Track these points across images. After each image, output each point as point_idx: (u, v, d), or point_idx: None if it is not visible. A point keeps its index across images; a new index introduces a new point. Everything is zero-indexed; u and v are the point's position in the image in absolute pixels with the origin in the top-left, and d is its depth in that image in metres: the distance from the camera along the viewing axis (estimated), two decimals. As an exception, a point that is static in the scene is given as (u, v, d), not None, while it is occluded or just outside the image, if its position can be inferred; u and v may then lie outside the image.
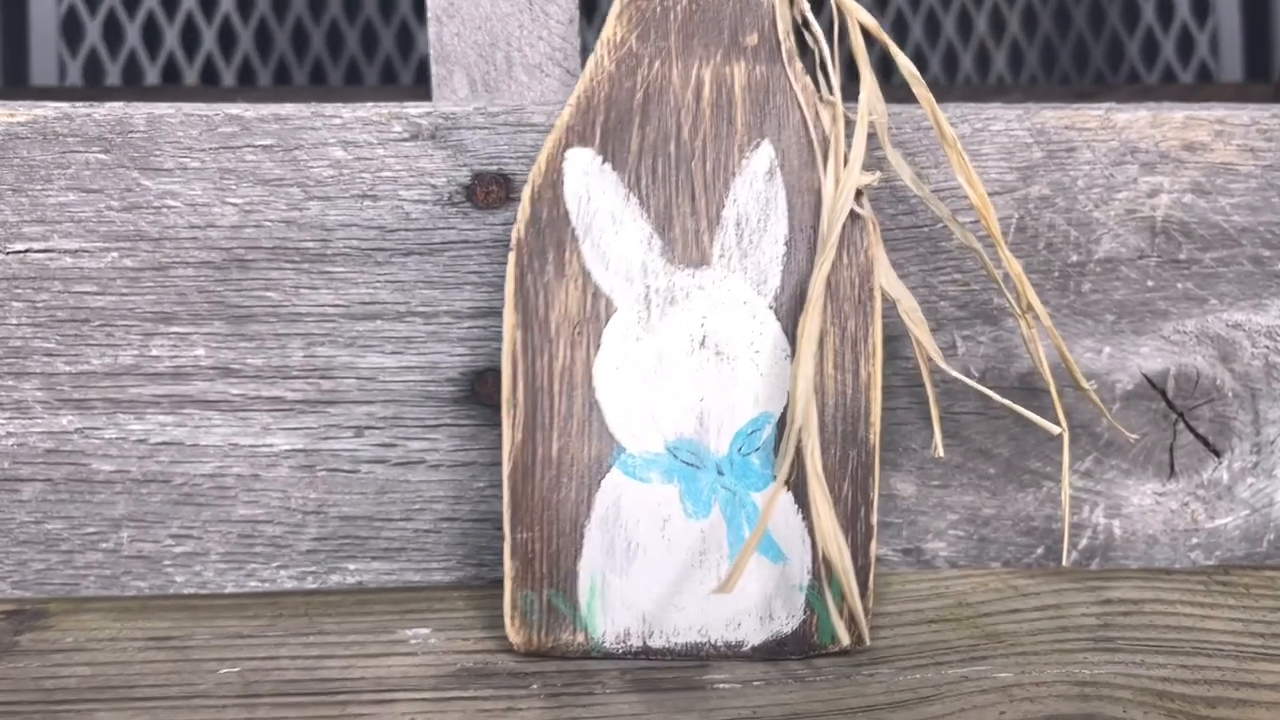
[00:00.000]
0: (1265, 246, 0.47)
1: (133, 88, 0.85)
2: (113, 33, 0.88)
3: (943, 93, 0.87)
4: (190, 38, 0.89)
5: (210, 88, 0.84)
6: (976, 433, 0.48)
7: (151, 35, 0.88)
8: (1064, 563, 0.44)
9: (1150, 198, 0.47)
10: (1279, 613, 0.43)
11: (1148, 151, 0.46)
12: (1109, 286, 0.47)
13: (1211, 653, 0.40)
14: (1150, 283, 0.47)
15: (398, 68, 0.87)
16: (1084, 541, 0.48)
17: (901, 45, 0.95)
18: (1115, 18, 0.95)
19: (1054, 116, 0.46)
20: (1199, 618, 0.43)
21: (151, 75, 0.88)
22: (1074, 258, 0.47)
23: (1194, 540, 0.48)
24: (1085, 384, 0.43)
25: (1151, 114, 0.46)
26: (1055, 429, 0.40)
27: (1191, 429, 0.48)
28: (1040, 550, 0.48)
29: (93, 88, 0.85)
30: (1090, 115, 0.46)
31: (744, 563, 0.34)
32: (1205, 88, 0.83)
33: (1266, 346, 0.47)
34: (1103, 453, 0.48)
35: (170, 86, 0.85)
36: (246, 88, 0.86)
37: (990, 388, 0.47)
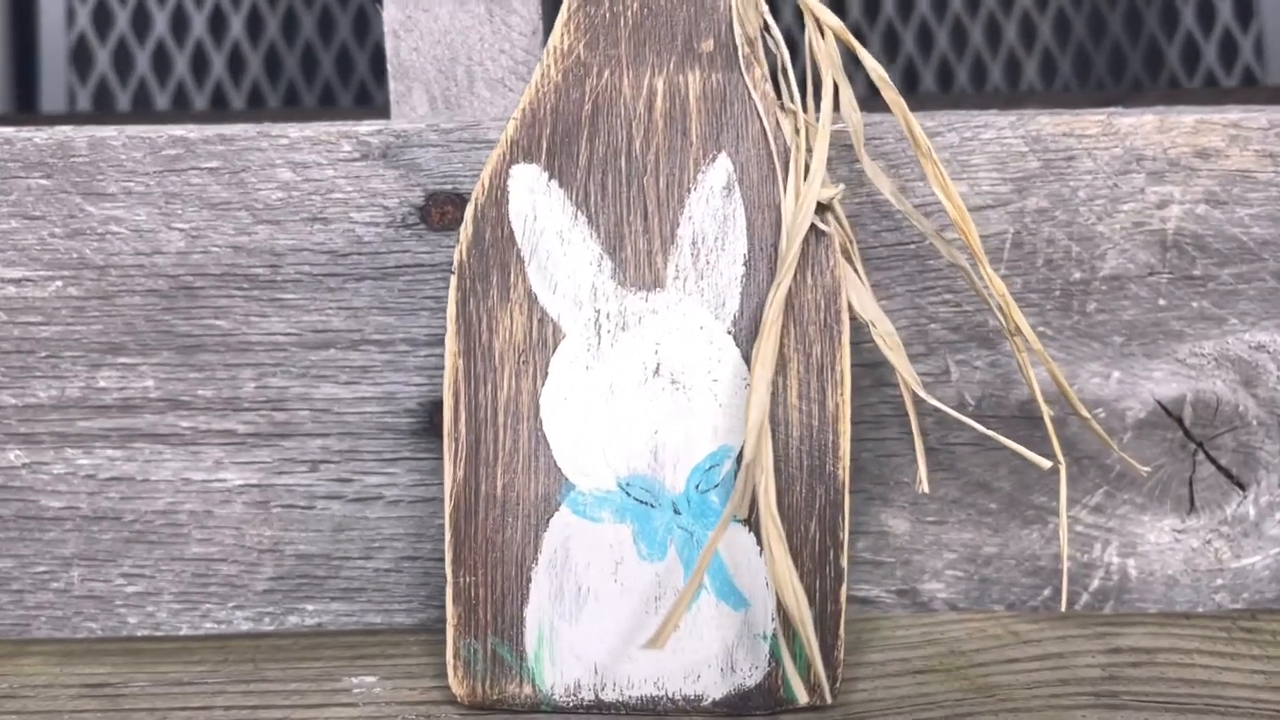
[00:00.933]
0: (1290, 260, 0.43)
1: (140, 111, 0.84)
2: (123, 61, 0.88)
3: (971, 102, 0.83)
4: (200, 64, 0.88)
5: (221, 110, 0.84)
6: (974, 465, 0.44)
7: (161, 62, 0.88)
8: (1063, 607, 0.40)
9: (1159, 209, 0.43)
10: (1308, 664, 0.39)
11: (1155, 159, 0.43)
12: (1116, 306, 0.43)
13: (1225, 710, 0.36)
14: (1162, 301, 0.43)
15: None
16: (1096, 583, 0.44)
17: (925, 57, 0.92)
18: (1153, 23, 0.91)
19: (1050, 123, 0.42)
20: (1217, 669, 0.39)
21: (161, 102, 0.88)
22: (1077, 275, 0.43)
23: (1218, 581, 0.44)
24: (1084, 412, 0.40)
25: (1159, 118, 0.42)
26: (1046, 463, 0.37)
27: (1212, 460, 0.44)
28: (1048, 592, 0.44)
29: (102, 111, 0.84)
30: (1090, 121, 0.43)
31: (677, 614, 0.31)
32: (1239, 91, 0.79)
33: (1294, 369, 0.43)
34: (1114, 486, 0.44)
35: (179, 111, 0.85)
36: (256, 109, 0.85)
37: (988, 416, 0.44)
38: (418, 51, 0.44)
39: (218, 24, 0.89)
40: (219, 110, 0.87)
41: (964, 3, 0.92)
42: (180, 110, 0.87)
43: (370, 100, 0.88)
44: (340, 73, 0.89)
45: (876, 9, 0.92)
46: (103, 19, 0.88)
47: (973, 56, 0.92)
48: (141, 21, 0.88)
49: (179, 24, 0.88)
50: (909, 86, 0.91)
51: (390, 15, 0.44)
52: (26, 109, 0.85)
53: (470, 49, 0.44)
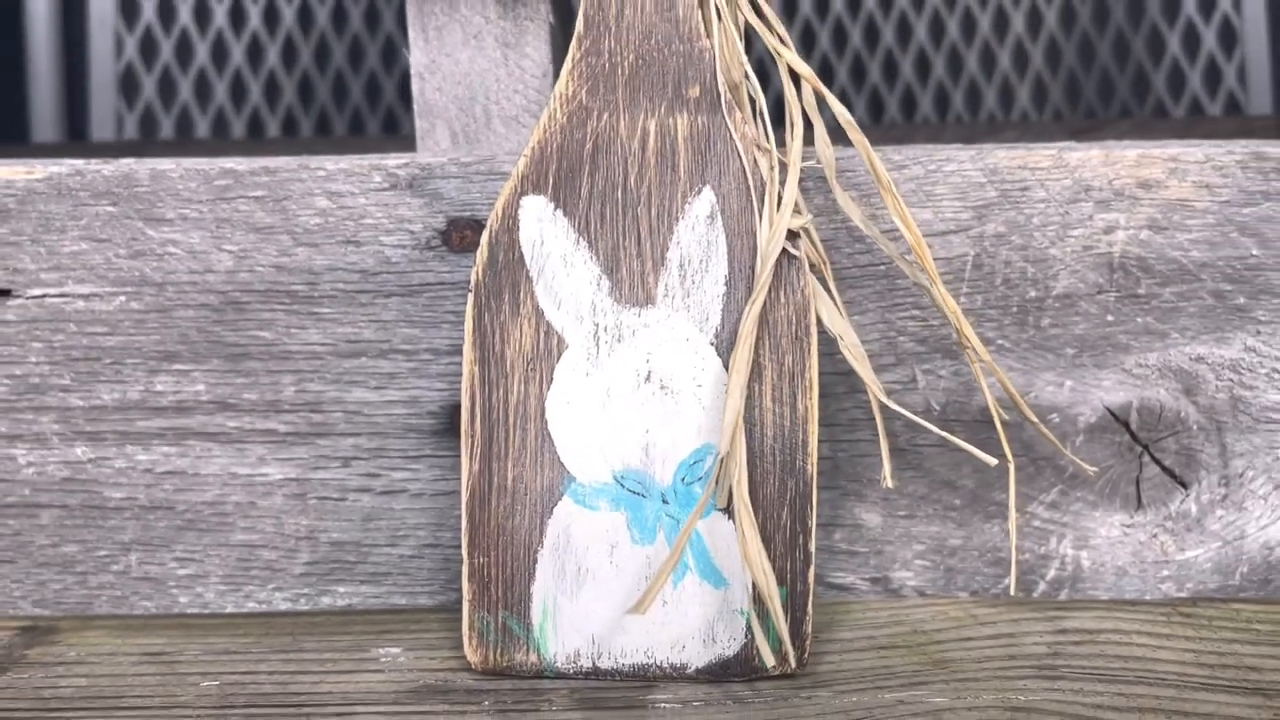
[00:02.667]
0: (1226, 281, 0.48)
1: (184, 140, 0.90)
2: (167, 88, 0.94)
3: (966, 130, 0.88)
4: (238, 91, 0.94)
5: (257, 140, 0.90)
6: (940, 465, 0.49)
7: (203, 90, 0.94)
8: (1012, 591, 0.45)
9: (1106, 234, 0.47)
10: (1235, 644, 0.44)
11: (1102, 189, 0.47)
12: (1068, 321, 0.48)
13: (1153, 682, 0.41)
14: (1110, 317, 0.48)
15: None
16: (1052, 572, 0.49)
17: (923, 84, 0.96)
18: (1140, 50, 0.95)
19: (1006, 156, 0.47)
20: (1152, 648, 0.44)
21: (202, 127, 0.93)
22: (1032, 293, 0.48)
23: (1164, 572, 0.49)
24: (1032, 416, 0.45)
25: (1104, 152, 0.47)
26: (993, 460, 0.41)
27: (1157, 461, 0.48)
28: (1008, 580, 0.49)
29: (147, 141, 0.90)
30: (1043, 155, 0.47)
31: (658, 585, 0.36)
32: (1203, 121, 0.83)
33: (1231, 379, 0.48)
34: (1068, 484, 0.49)
35: (220, 140, 0.91)
36: (289, 138, 0.91)
37: (952, 420, 0.48)
38: (441, 91, 0.49)
39: (255, 54, 0.95)
40: (256, 137, 0.93)
41: (960, 31, 0.97)
42: (220, 136, 0.93)
43: (398, 125, 0.94)
44: (369, 99, 0.95)
45: (876, 38, 0.97)
46: (149, 49, 0.94)
47: (968, 82, 0.96)
48: (184, 51, 0.94)
49: (219, 54, 0.94)
50: (907, 112, 0.96)
51: (416, 59, 0.49)
52: (77, 135, 0.91)
53: (488, 89, 0.49)
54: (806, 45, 0.95)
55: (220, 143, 0.89)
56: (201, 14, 0.94)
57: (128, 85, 0.93)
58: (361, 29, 0.95)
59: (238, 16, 0.94)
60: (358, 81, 0.95)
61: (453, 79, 0.49)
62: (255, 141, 0.89)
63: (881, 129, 0.78)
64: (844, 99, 0.93)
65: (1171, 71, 0.95)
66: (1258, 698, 0.40)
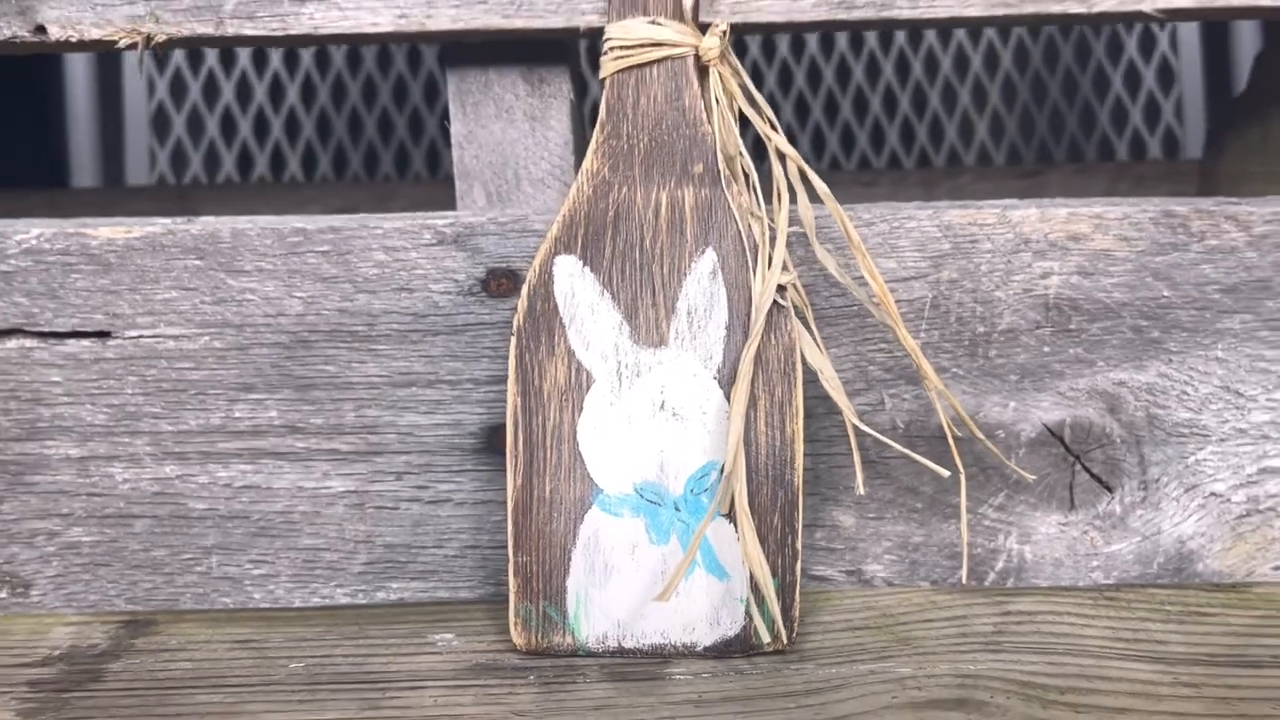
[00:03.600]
0: (1142, 318, 0.56)
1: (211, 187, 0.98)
2: (195, 125, 1.01)
3: (926, 174, 0.97)
4: (261, 127, 1.02)
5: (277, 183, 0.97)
6: (904, 474, 0.57)
7: (228, 126, 1.01)
8: (964, 581, 0.54)
9: (1043, 279, 0.56)
10: (1148, 623, 0.53)
11: (1038, 241, 0.56)
12: (1011, 352, 0.57)
13: (1078, 653, 0.49)
14: (1046, 349, 0.57)
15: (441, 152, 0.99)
16: (1000, 564, 0.58)
17: (890, 118, 1.05)
18: (1087, 88, 1.04)
19: (958, 215, 0.56)
20: (1080, 625, 0.52)
21: (228, 161, 1.01)
22: (980, 329, 0.57)
23: (1094, 563, 0.58)
24: (979, 434, 0.53)
25: (1040, 211, 0.56)
26: (946, 471, 0.50)
27: (1087, 469, 0.57)
28: (962, 571, 0.58)
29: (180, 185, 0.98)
30: (989, 213, 0.56)
31: (677, 578, 0.44)
32: (1135, 165, 0.92)
33: (1147, 400, 0.57)
34: (1013, 490, 0.57)
35: (246, 184, 0.98)
36: (310, 182, 0.98)
37: (915, 436, 0.57)
38: (477, 158, 0.58)
39: (276, 92, 1.02)
40: (277, 170, 1.00)
41: (924, 71, 1.06)
42: (244, 169, 1.01)
43: (409, 158, 1.02)
44: (382, 135, 1.03)
45: (847, 77, 1.06)
46: (178, 89, 1.01)
47: (931, 117, 1.05)
48: (211, 91, 1.02)
49: (243, 93, 1.02)
50: (876, 144, 1.05)
51: (456, 130, 0.58)
52: (114, 163, 0.99)
53: (517, 156, 0.57)
54: (783, 84, 1.04)
55: (246, 185, 0.96)
56: (226, 55, 1.01)
57: (159, 124, 1.00)
58: (374, 69, 1.03)
59: (260, 57, 1.02)
60: (371, 118, 1.02)
61: (487, 147, 0.58)
62: (279, 185, 0.96)
63: (851, 174, 0.86)
64: (817, 134, 1.02)
65: (1115, 108, 1.04)
66: (1162, 665, 0.48)
